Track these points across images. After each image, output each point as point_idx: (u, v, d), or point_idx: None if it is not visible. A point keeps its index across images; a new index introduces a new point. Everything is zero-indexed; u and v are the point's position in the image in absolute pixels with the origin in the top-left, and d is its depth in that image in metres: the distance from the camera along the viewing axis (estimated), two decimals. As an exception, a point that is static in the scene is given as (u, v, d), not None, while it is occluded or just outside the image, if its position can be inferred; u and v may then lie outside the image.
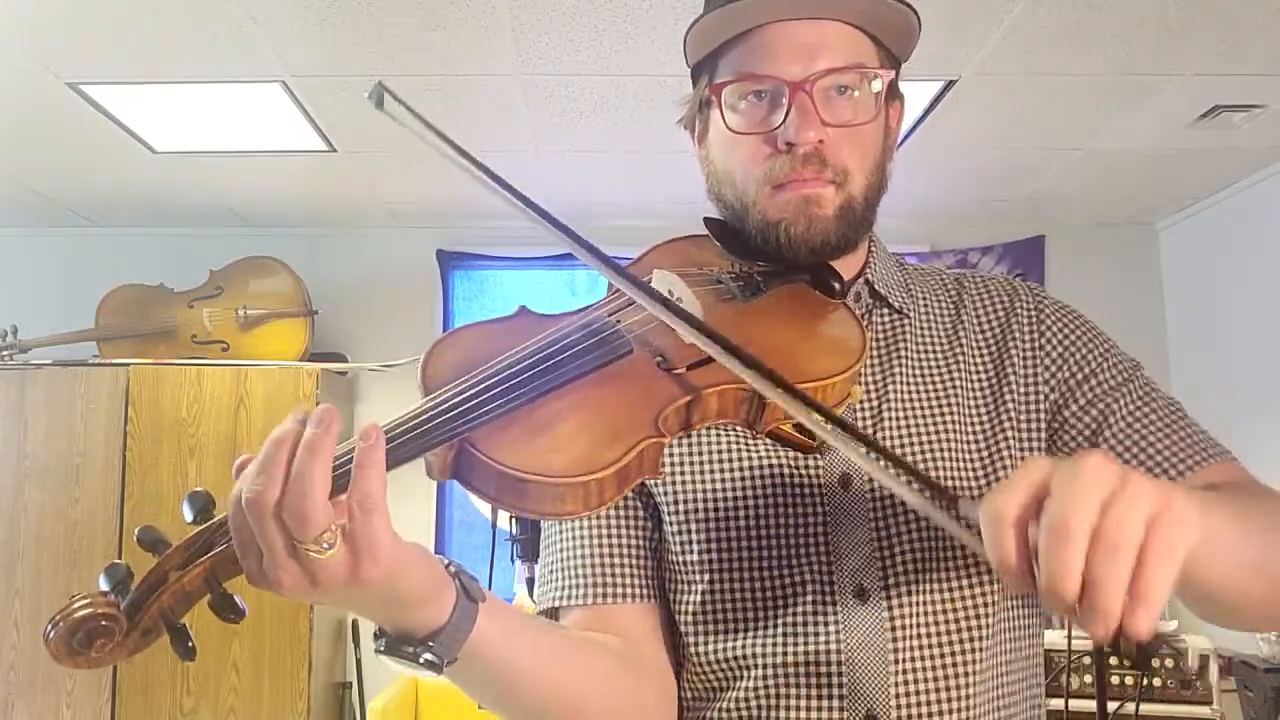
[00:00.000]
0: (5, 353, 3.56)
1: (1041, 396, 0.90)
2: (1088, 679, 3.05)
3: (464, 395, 0.65)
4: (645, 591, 0.88)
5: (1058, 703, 2.82)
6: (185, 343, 3.68)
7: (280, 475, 0.55)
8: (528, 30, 2.37)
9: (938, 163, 3.36)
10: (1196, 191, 3.66)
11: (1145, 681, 3.15)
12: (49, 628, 0.56)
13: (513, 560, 2.54)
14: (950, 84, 2.70)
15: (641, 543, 0.89)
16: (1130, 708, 2.96)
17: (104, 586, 0.58)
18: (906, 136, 3.09)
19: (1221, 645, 3.29)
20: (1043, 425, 0.90)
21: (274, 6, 2.26)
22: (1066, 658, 2.90)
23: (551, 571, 0.91)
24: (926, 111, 2.89)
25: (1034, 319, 0.94)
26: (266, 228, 4.05)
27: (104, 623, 0.56)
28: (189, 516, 0.60)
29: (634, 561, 0.88)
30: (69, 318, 3.70)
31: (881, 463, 0.67)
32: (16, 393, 3.46)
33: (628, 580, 0.88)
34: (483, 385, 0.66)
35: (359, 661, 3.78)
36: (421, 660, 0.64)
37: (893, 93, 0.90)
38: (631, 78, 2.64)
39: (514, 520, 2.46)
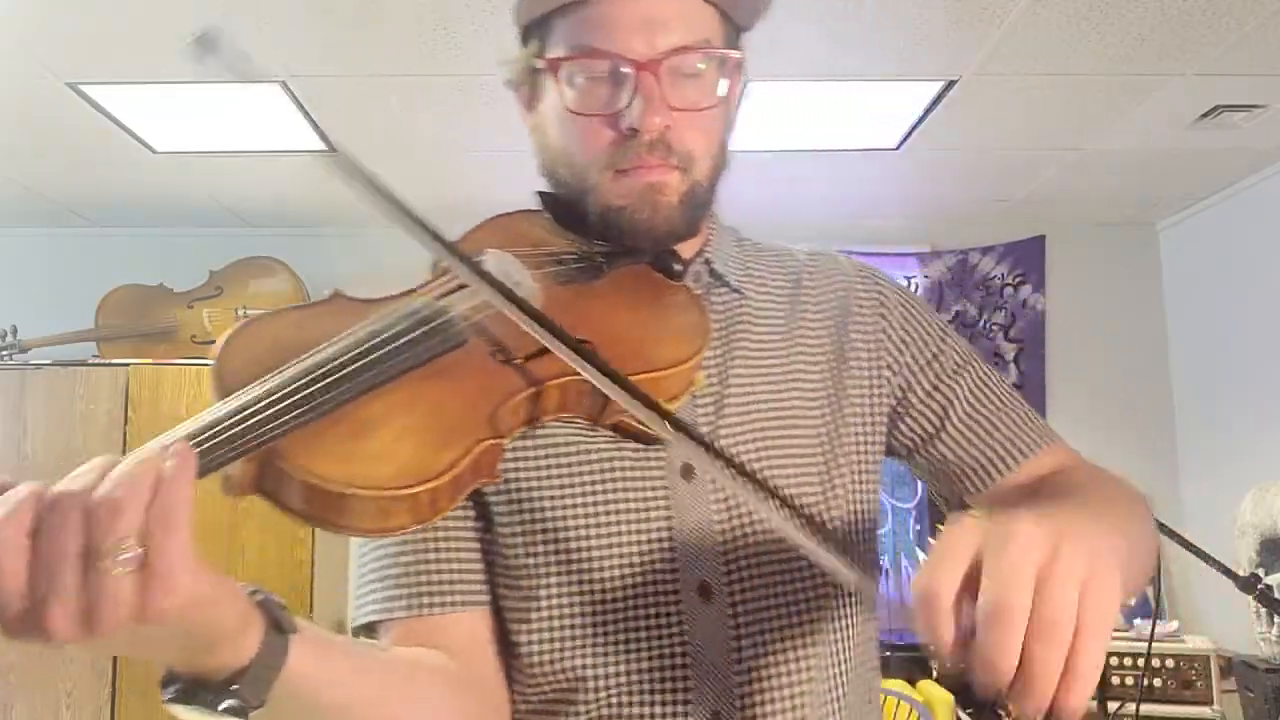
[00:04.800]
0: (5, 353, 3.55)
1: (884, 380, 0.90)
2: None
3: (269, 396, 0.56)
4: (475, 598, 0.81)
5: (1058, 703, 2.81)
6: (185, 343, 3.68)
7: (92, 476, 0.48)
8: (528, 30, 2.37)
9: (938, 163, 3.36)
10: (1196, 191, 3.66)
11: (1146, 682, 3.15)
12: None
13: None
14: (950, 84, 2.70)
15: (469, 544, 0.82)
16: (1131, 708, 2.96)
17: None
18: (906, 137, 3.09)
19: (1222, 646, 3.29)
20: (884, 409, 0.90)
21: (274, 6, 2.26)
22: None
23: (367, 581, 0.82)
24: (927, 111, 2.89)
25: (875, 300, 0.93)
26: (266, 228, 4.05)
27: None
28: None
29: (461, 565, 0.81)
30: (69, 318, 3.69)
31: (737, 478, 0.64)
32: (16, 393, 3.45)
33: (455, 587, 0.80)
34: (291, 384, 0.57)
35: (359, 662, 3.78)
36: (221, 709, 0.55)
37: (737, 66, 0.84)
38: (631, 78, 2.63)
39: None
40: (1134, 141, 3.13)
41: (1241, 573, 1.61)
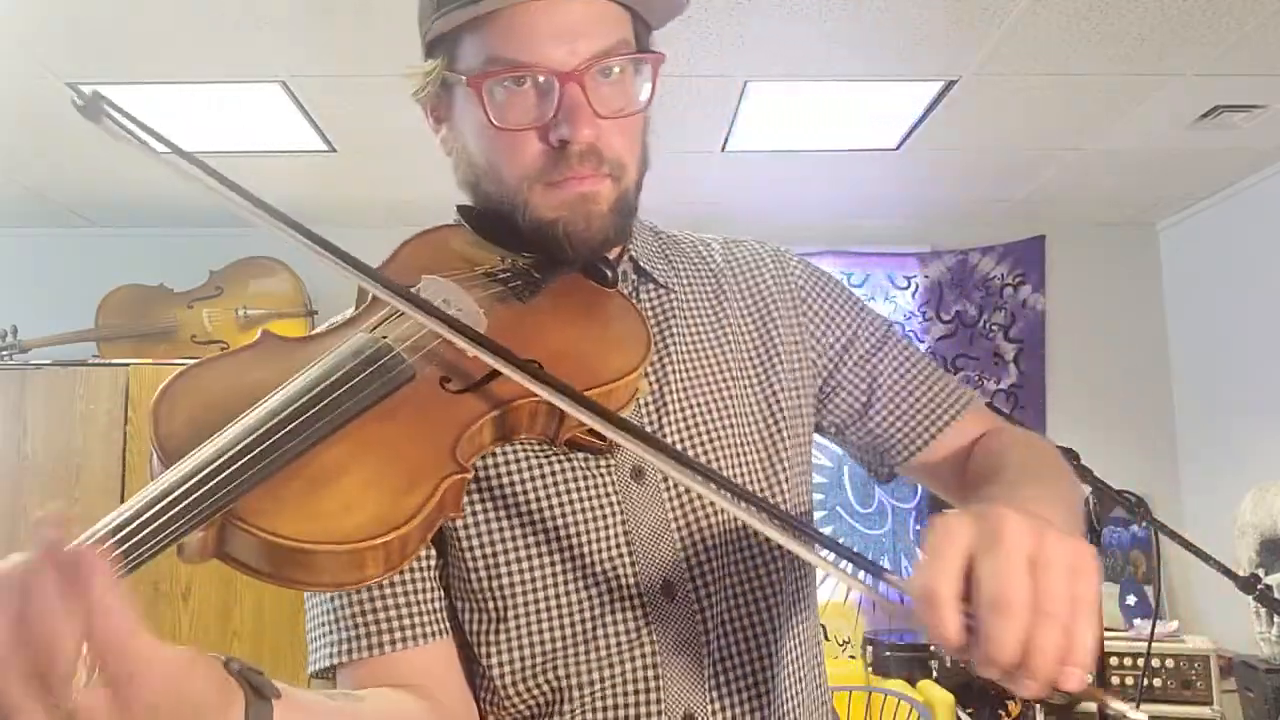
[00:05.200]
0: (5, 353, 3.55)
1: (809, 363, 0.92)
2: (1088, 679, 3.05)
3: (218, 459, 0.52)
4: (436, 627, 0.79)
5: (1058, 703, 2.82)
6: (185, 343, 3.68)
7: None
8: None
9: (938, 163, 3.37)
10: (1196, 191, 3.66)
11: (1146, 682, 3.15)
12: None
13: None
14: (950, 84, 2.70)
15: (424, 575, 0.80)
16: (1130, 708, 2.96)
17: None
18: (906, 137, 3.09)
19: (1222, 645, 3.29)
20: (812, 390, 0.92)
21: (274, 6, 2.26)
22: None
23: (321, 624, 0.79)
24: (927, 111, 2.89)
25: (792, 285, 0.94)
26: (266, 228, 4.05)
27: None
28: None
29: (418, 599, 0.79)
30: (69, 318, 3.69)
31: (701, 477, 0.64)
32: (16, 393, 3.45)
33: (414, 620, 0.78)
34: (241, 441, 0.53)
35: (359, 662, 3.78)
36: None
37: (656, 67, 0.83)
38: (631, 78, 2.63)
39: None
40: (1134, 141, 3.13)
41: (1241, 573, 1.61)
